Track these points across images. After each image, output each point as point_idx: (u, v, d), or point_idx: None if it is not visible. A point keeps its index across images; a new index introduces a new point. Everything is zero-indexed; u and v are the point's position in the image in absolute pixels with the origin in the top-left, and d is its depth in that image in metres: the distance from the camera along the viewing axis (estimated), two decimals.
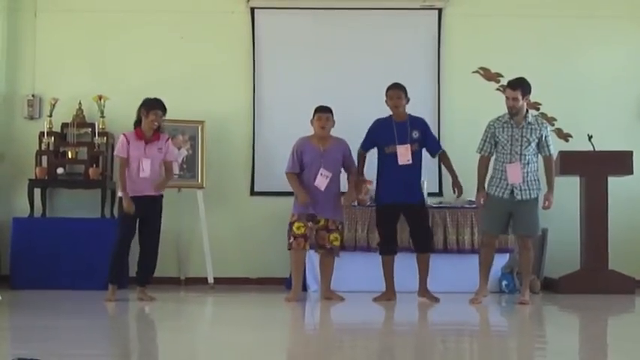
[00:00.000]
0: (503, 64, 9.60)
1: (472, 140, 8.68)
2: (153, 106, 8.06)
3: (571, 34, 9.94)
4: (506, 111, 8.04)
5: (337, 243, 8.25)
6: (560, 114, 9.47)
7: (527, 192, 7.98)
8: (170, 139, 8.36)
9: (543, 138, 7.99)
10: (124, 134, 8.17)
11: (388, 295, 8.21)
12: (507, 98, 7.96)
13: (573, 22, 9.93)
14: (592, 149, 9.13)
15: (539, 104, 9.08)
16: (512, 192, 7.97)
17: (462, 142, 9.23)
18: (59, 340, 6.08)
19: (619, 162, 9.14)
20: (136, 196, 8.03)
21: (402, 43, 9.90)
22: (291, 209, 8.24)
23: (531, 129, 7.98)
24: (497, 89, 9.37)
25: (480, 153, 8.14)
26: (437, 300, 8.15)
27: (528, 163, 7.97)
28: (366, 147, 8.33)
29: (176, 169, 9.11)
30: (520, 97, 7.90)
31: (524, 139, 7.95)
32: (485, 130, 8.10)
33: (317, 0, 9.91)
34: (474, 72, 9.57)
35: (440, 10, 9.93)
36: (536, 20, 9.91)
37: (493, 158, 8.12)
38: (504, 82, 9.25)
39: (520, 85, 7.92)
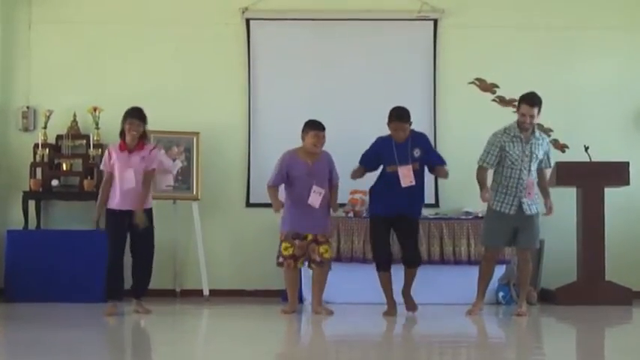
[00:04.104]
0: (498, 75, 9.60)
1: (468, 150, 8.68)
2: (128, 115, 7.95)
3: (566, 45, 9.94)
4: (508, 124, 7.95)
5: (327, 255, 8.13)
6: (556, 125, 9.45)
7: (534, 206, 7.97)
8: (155, 149, 8.22)
9: (546, 154, 8.00)
10: (109, 147, 8.11)
11: (389, 311, 8.03)
12: (523, 115, 7.80)
13: (568, 33, 9.92)
14: (588, 160, 9.11)
15: None
16: (519, 207, 7.87)
17: (457, 152, 9.21)
18: (54, 353, 6.04)
19: (615, 173, 9.12)
20: (123, 210, 7.91)
21: (398, 54, 9.89)
22: (279, 227, 8.20)
23: (538, 145, 7.93)
24: (493, 100, 9.36)
25: (482, 165, 7.96)
26: (416, 308, 8.06)
27: (535, 177, 7.97)
28: (368, 165, 8.05)
29: (171, 181, 9.08)
30: (536, 114, 7.82)
31: (534, 155, 7.90)
32: (490, 142, 7.93)
33: (313, 11, 9.90)
34: (469, 83, 9.56)
35: (435, 21, 9.92)
36: (531, 31, 9.91)
37: (496, 171, 8.00)
38: (500, 93, 9.27)
39: (538, 102, 7.80)
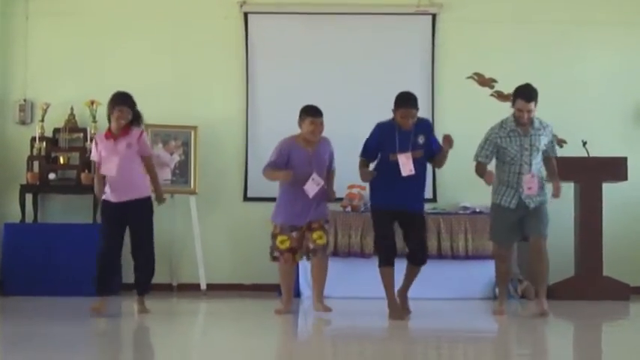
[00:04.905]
0: (497, 70, 9.58)
1: (466, 145, 8.64)
2: (116, 101, 7.52)
3: (565, 39, 9.94)
4: (504, 117, 7.80)
5: (321, 241, 7.62)
6: (554, 120, 9.35)
7: (537, 198, 7.57)
8: (144, 133, 7.75)
9: (550, 142, 7.63)
10: (95, 137, 7.84)
11: (394, 314, 7.40)
12: (520, 110, 7.43)
13: (567, 27, 9.92)
14: (586, 155, 9.11)
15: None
16: (519, 201, 7.53)
17: (455, 147, 9.15)
18: (51, 346, 6.03)
19: (613, 168, 9.12)
20: (118, 202, 7.54)
21: (397, 48, 9.89)
22: (271, 219, 7.74)
23: (539, 136, 7.55)
24: (492, 95, 9.34)
25: (479, 160, 7.67)
26: (409, 312, 7.61)
27: (538, 171, 7.59)
28: (368, 156, 7.55)
29: (168, 175, 9.03)
30: (534, 108, 7.47)
31: (534, 148, 7.51)
32: (485, 138, 7.65)
33: (311, 5, 9.88)
34: (468, 77, 9.54)
35: (434, 16, 9.91)
36: (530, 26, 9.90)
37: (497, 167, 7.69)
38: (498, 87, 9.25)
39: (535, 96, 7.44)
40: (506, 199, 7.59)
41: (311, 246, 7.66)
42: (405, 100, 7.40)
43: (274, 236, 7.70)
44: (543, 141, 7.58)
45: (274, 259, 7.74)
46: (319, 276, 7.76)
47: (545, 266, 7.61)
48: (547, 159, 7.71)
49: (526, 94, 7.46)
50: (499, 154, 7.62)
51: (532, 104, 7.45)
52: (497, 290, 9.02)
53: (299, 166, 7.57)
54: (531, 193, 7.51)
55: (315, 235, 7.62)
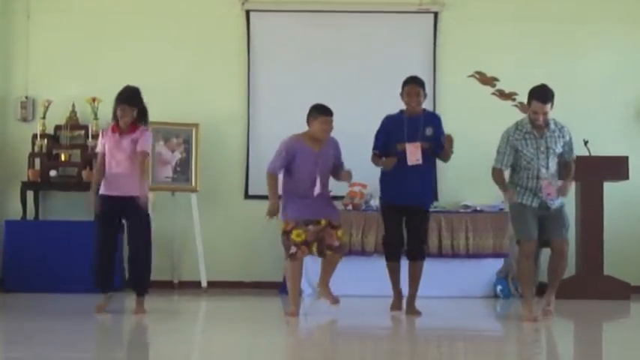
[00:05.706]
0: (498, 68, 9.58)
1: (467, 144, 8.66)
2: (119, 99, 7.48)
3: (566, 38, 9.92)
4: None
5: (345, 239, 7.57)
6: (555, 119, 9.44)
7: (557, 200, 7.35)
8: (147, 131, 7.57)
9: (567, 145, 7.38)
10: (102, 129, 7.74)
11: (395, 304, 7.61)
12: (535, 113, 7.18)
13: (569, 26, 9.90)
14: (588, 154, 9.10)
15: None
16: (541, 200, 7.29)
17: (456, 146, 9.14)
18: (52, 343, 6.04)
19: (614, 167, 9.11)
20: (112, 195, 7.43)
21: (398, 46, 9.87)
22: (281, 217, 7.46)
23: (555, 138, 7.30)
24: (493, 93, 9.34)
25: (498, 167, 7.38)
26: (420, 314, 7.56)
27: (554, 174, 7.37)
28: (379, 148, 7.51)
29: (169, 172, 9.01)
30: (550, 110, 7.25)
31: (550, 150, 7.26)
32: (502, 142, 7.37)
33: (313, 3, 9.89)
34: (469, 76, 9.55)
35: (435, 14, 9.91)
36: (531, 24, 9.89)
37: (513, 170, 7.42)
38: (500, 85, 9.24)
39: (551, 97, 7.22)
40: (527, 199, 7.34)
41: (336, 243, 7.48)
42: (412, 78, 7.50)
43: (288, 232, 7.37)
44: (559, 143, 7.34)
45: (291, 256, 7.36)
46: (332, 267, 7.63)
47: (564, 269, 7.48)
48: (565, 162, 7.43)
49: (542, 95, 7.25)
50: (515, 158, 7.37)
51: (548, 106, 7.23)
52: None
53: (304, 165, 7.42)
54: (551, 198, 7.29)
55: (340, 233, 7.51)
